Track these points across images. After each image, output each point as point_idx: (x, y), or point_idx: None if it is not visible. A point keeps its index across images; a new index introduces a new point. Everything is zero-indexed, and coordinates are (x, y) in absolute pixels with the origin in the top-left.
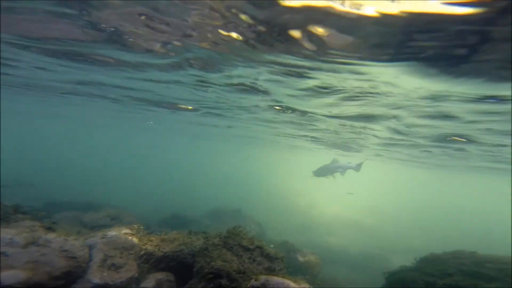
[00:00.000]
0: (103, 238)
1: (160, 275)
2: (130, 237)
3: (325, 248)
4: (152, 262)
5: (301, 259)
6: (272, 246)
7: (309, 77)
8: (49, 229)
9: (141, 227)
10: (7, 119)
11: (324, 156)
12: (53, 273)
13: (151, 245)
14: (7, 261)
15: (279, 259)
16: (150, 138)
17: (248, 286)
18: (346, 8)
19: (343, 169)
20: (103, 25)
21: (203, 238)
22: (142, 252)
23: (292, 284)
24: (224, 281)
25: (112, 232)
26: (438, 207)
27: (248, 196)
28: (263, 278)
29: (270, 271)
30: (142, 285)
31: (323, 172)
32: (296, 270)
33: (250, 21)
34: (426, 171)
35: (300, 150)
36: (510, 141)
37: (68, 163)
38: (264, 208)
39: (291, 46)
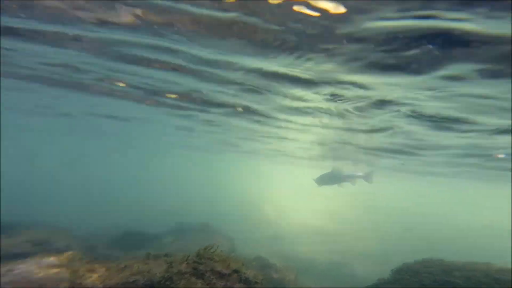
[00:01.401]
0: (4, 276)
1: None
2: (54, 270)
3: (295, 258)
4: None
5: (275, 275)
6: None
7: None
8: None
9: (78, 253)
10: None
11: (290, 168)
12: None
13: (91, 278)
14: None
15: (259, 283)
16: (102, 145)
17: None
18: None
19: (353, 179)
20: None
21: (166, 263)
22: None
23: None
24: None
25: (24, 266)
26: (391, 211)
27: (217, 209)
28: None
29: None
30: None
31: (327, 180)
32: (271, 286)
33: None
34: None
35: (269, 161)
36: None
37: None
38: (234, 221)
39: None
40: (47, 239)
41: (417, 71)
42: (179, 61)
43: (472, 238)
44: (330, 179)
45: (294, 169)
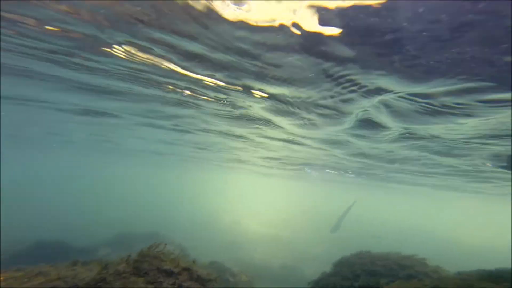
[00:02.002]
0: None
1: None
2: None
3: (251, 264)
4: None
5: (231, 279)
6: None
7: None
8: None
9: None
10: None
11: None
12: None
13: None
14: None
15: (213, 280)
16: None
17: None
18: None
19: (346, 213)
20: None
21: (99, 267)
22: None
23: None
24: None
25: None
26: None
27: (168, 218)
28: None
29: None
30: None
31: (339, 224)
32: None
33: None
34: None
35: (224, 168)
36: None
37: None
38: (187, 230)
39: None
40: None
41: None
42: None
43: (404, 236)
44: (339, 223)
45: (251, 178)
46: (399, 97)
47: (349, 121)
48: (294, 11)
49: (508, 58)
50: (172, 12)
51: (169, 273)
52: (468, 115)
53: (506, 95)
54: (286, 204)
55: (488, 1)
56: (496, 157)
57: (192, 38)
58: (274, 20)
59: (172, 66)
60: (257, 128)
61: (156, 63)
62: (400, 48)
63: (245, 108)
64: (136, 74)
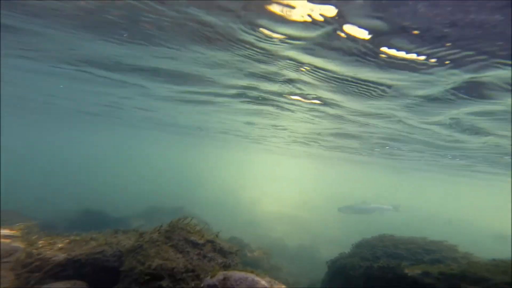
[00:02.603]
0: None
1: (62, 285)
2: (8, 241)
3: (268, 242)
4: (47, 270)
5: (249, 254)
6: None
7: None
8: None
9: (35, 226)
10: None
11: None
12: None
13: (51, 249)
14: None
15: (234, 253)
16: (65, 123)
17: (202, 285)
18: None
19: (381, 211)
20: None
21: (136, 235)
22: (31, 259)
23: (257, 278)
24: (165, 283)
25: None
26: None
27: (192, 194)
28: (221, 274)
29: (225, 267)
30: None
31: (353, 210)
32: (245, 265)
33: None
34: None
35: (248, 149)
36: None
37: None
38: (209, 206)
39: None
40: None
41: None
42: None
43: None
44: (354, 210)
45: (271, 158)
46: None
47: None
48: None
49: None
50: None
51: (195, 244)
52: None
53: None
54: (309, 187)
55: None
56: None
57: None
58: None
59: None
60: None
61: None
62: None
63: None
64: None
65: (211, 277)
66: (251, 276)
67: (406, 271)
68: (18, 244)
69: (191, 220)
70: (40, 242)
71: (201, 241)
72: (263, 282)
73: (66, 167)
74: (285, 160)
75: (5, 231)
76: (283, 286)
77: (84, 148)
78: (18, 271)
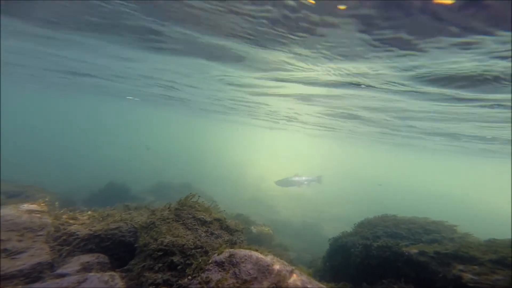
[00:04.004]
0: None
1: (89, 258)
2: (37, 215)
3: (273, 219)
4: (75, 244)
5: (254, 230)
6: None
7: None
8: None
9: (57, 202)
10: None
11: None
12: None
13: (74, 224)
14: None
15: (240, 231)
16: (73, 100)
17: (210, 261)
18: None
19: (308, 182)
20: None
21: (148, 212)
22: (59, 233)
23: (261, 256)
24: (176, 258)
25: (7, 210)
26: (361, 179)
27: (198, 170)
28: (227, 251)
29: (231, 244)
30: (60, 270)
31: (286, 183)
32: (251, 242)
33: None
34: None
35: (253, 125)
36: None
37: None
38: (215, 183)
39: None
40: (22, 192)
41: None
42: None
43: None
44: (288, 182)
45: (276, 134)
46: None
47: None
48: None
49: None
50: None
51: (203, 222)
52: None
53: None
54: (314, 164)
55: None
56: None
57: None
58: None
59: None
60: None
61: None
62: None
63: None
64: None
65: (218, 254)
66: (255, 254)
67: (403, 250)
68: (46, 219)
69: (198, 197)
70: (64, 217)
71: (209, 219)
72: (266, 259)
73: (77, 141)
74: (291, 136)
75: (33, 206)
76: (286, 263)
77: (95, 123)
78: (51, 244)
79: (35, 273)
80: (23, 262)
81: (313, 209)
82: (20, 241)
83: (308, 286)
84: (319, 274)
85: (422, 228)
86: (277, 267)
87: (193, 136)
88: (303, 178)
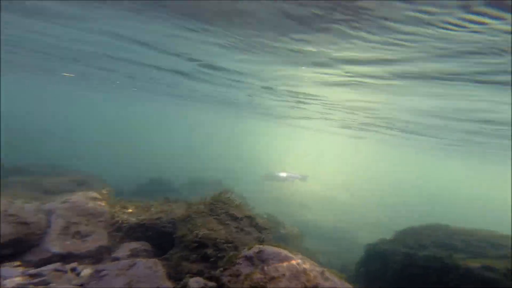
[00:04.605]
0: (64, 203)
1: (135, 244)
2: (99, 203)
3: (301, 222)
4: (125, 231)
5: (282, 231)
6: None
7: None
8: None
9: (113, 190)
10: None
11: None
12: None
13: (124, 213)
14: None
15: (268, 229)
16: (125, 101)
17: (240, 256)
18: None
19: (292, 179)
20: None
21: (185, 205)
22: (113, 220)
23: (290, 254)
24: (210, 251)
25: (77, 197)
26: (406, 184)
27: (229, 169)
28: (257, 247)
29: (260, 241)
30: (115, 254)
31: (271, 178)
32: (278, 241)
33: None
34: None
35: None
36: None
37: (26, 123)
38: (246, 182)
39: None
40: (87, 181)
41: None
42: None
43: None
44: (272, 177)
45: (309, 133)
46: None
47: None
48: None
49: None
50: None
51: (234, 218)
52: None
53: None
54: (350, 166)
55: None
56: None
57: None
58: None
59: None
60: None
61: None
62: None
63: None
64: None
65: (248, 249)
66: (284, 251)
67: (461, 262)
68: (105, 207)
69: (231, 194)
70: (117, 206)
71: (240, 216)
72: (295, 258)
73: (120, 136)
74: (328, 136)
75: (95, 194)
76: (315, 264)
77: (136, 120)
78: (108, 229)
79: (99, 255)
80: (90, 244)
81: (347, 214)
82: (87, 225)
83: (340, 287)
84: (351, 280)
85: (486, 242)
86: (306, 266)
87: (231, 135)
88: (288, 174)
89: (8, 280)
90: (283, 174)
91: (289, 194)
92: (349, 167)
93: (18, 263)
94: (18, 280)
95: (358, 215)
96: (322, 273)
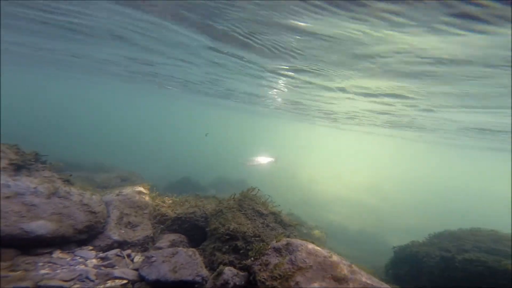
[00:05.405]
0: (118, 195)
1: (174, 236)
2: (143, 196)
3: (325, 223)
4: (166, 223)
5: (305, 231)
6: None
7: None
8: (67, 181)
9: (153, 188)
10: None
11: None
12: (77, 226)
13: (163, 206)
14: (35, 211)
15: (293, 226)
16: (157, 103)
17: (269, 247)
18: None
19: (267, 162)
20: None
21: (215, 201)
22: (155, 213)
23: (317, 247)
24: (240, 243)
25: (127, 190)
26: (438, 187)
27: (253, 169)
28: (285, 239)
29: (285, 237)
30: (157, 244)
31: (249, 162)
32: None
33: None
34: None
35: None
36: None
37: (70, 123)
38: (271, 182)
39: None
40: (129, 177)
41: None
42: None
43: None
44: (251, 161)
45: (334, 132)
46: None
47: None
48: None
49: None
50: None
51: (260, 214)
52: None
53: None
54: (380, 169)
55: None
56: None
57: None
58: None
59: None
60: None
61: None
62: None
63: None
64: None
65: (276, 241)
66: (311, 244)
67: (509, 267)
68: (148, 200)
69: (258, 191)
70: (157, 200)
71: (266, 212)
72: (322, 251)
73: (150, 136)
74: (359, 136)
75: (141, 188)
76: (343, 258)
77: (164, 121)
78: (152, 221)
79: (145, 244)
80: (139, 233)
81: (374, 217)
82: (135, 216)
83: (368, 281)
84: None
85: None
86: (333, 259)
87: (256, 134)
88: (263, 158)
89: (88, 261)
90: (259, 159)
91: (313, 195)
92: (378, 171)
93: (91, 247)
94: (94, 262)
95: (386, 219)
96: (349, 266)
